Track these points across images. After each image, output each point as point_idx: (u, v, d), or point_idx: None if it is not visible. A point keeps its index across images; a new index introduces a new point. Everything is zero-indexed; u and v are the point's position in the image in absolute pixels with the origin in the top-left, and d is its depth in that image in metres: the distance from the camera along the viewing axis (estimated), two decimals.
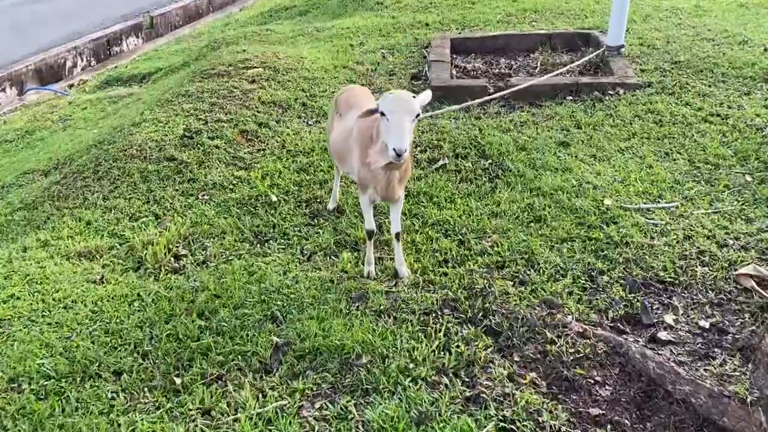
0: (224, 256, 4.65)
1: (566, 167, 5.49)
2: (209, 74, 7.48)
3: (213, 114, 6.60)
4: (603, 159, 5.65)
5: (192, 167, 5.80)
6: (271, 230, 4.97)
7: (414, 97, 3.53)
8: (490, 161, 5.71)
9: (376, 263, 4.40)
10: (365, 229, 4.30)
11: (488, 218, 4.91)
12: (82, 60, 12.54)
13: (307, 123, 6.70)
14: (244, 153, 6.07)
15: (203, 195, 5.50)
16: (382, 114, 3.41)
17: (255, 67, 7.54)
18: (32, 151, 7.79)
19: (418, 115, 3.44)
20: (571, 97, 6.89)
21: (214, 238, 4.88)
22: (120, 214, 5.27)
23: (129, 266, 4.60)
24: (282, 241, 4.84)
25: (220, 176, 5.71)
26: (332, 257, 4.59)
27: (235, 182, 5.64)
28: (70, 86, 11.79)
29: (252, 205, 5.30)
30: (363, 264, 4.38)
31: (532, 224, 4.78)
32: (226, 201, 5.36)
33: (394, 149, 3.27)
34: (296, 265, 4.49)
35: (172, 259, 4.64)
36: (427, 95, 3.79)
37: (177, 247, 4.77)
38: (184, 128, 6.34)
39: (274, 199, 5.35)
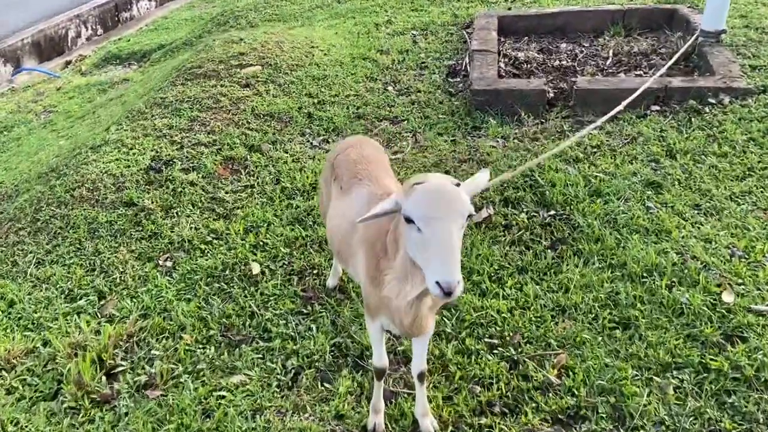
0: (175, 376, 3.30)
1: (660, 227, 3.92)
2: (195, 75, 6.02)
3: (192, 134, 5.18)
4: (711, 212, 4.05)
5: (155, 216, 4.42)
6: (247, 324, 3.59)
7: (458, 185, 2.08)
8: (552, 213, 4.17)
9: (386, 407, 3.00)
10: (373, 365, 2.90)
11: (552, 316, 3.43)
12: (86, 29, 11.13)
13: (311, 144, 5.22)
14: (226, 192, 4.65)
15: (165, 259, 4.13)
16: (410, 221, 2.02)
17: (251, 65, 6.05)
18: None
19: (469, 216, 2.03)
20: (657, 107, 5.22)
21: (167, 339, 3.53)
22: (54, 289, 3.95)
23: (42, 392, 3.28)
24: (259, 344, 3.45)
25: (190, 230, 4.32)
26: (325, 384, 3.18)
27: (208, 239, 4.24)
28: (68, 63, 10.51)
29: (226, 279, 3.91)
30: (368, 408, 2.98)
31: (617, 333, 3.28)
32: (194, 272, 3.98)
33: (438, 283, 1.90)
34: (272, 396, 3.12)
35: (104, 378, 3.30)
36: (482, 180, 2.32)
37: (114, 356, 3.43)
38: (152, 157, 4.94)
39: (257, 270, 3.95)
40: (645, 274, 3.59)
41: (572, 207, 4.17)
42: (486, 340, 3.33)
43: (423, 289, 2.20)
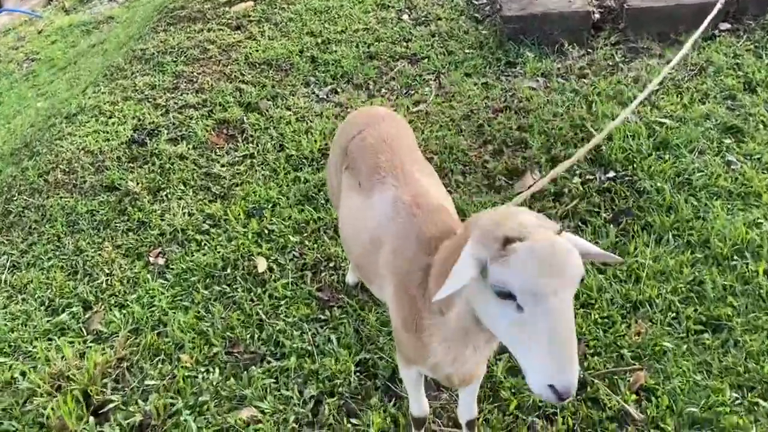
0: (173, 413, 2.77)
1: (746, 188, 3.21)
2: (178, 18, 5.21)
3: (177, 95, 4.46)
4: None
5: (142, 201, 3.80)
6: (256, 337, 3.03)
7: (560, 232, 1.48)
8: (611, 175, 3.46)
9: None
10: (411, 415, 2.36)
11: (623, 316, 2.81)
12: None
13: (317, 96, 4.48)
14: (222, 166, 3.98)
15: (157, 256, 3.54)
16: (506, 295, 1.41)
17: (242, 0, 5.20)
18: None
19: (582, 279, 1.44)
20: (727, 25, 4.34)
21: (163, 362, 2.99)
22: (32, 300, 3.40)
23: None
24: (272, 363, 2.90)
25: (183, 216, 3.70)
26: (351, 421, 2.64)
27: (204, 228, 3.62)
28: (50, 0, 9.68)
29: (228, 279, 3.32)
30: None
31: (705, 338, 2.66)
32: (190, 272, 3.39)
33: (552, 387, 1.35)
34: None
35: (91, 420, 2.79)
36: (601, 251, 1.61)
37: (103, 390, 2.90)
38: (134, 126, 4.25)
39: (263, 267, 3.35)
40: (734, 256, 2.92)
41: (635, 166, 3.45)
42: None
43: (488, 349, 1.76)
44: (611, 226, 3.20)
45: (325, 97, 4.47)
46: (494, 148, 3.77)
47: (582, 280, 1.42)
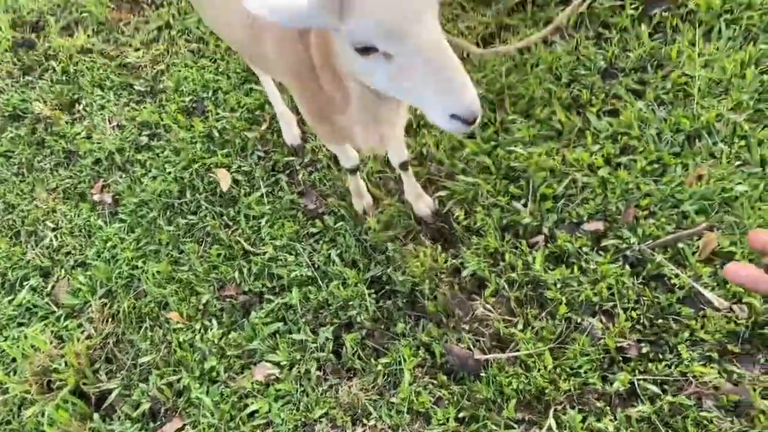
0: (182, 389, 2.43)
1: None
2: None
3: None
4: None
5: (58, 123, 3.08)
6: (244, 272, 2.57)
7: None
8: None
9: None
10: (343, 167, 2.42)
11: (675, 153, 2.24)
12: None
13: None
14: (136, 50, 3.15)
15: (100, 191, 2.94)
16: (367, 50, 1.31)
17: None
18: None
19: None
20: None
21: (151, 329, 2.58)
22: None
23: None
24: (273, 302, 2.48)
25: (113, 132, 3.01)
26: (378, 359, 2.27)
27: (143, 143, 2.96)
28: None
29: (191, 207, 2.76)
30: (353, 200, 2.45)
31: None
32: (144, 206, 2.83)
33: (456, 117, 1.29)
34: (318, 396, 2.26)
35: (97, 418, 2.47)
36: None
37: (98, 377, 2.54)
38: (13, 23, 3.32)
39: (226, 181, 2.75)
40: None
41: None
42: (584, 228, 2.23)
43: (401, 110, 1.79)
44: (642, 26, 2.45)
45: None
46: None
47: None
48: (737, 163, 2.16)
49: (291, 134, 2.73)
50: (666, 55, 2.39)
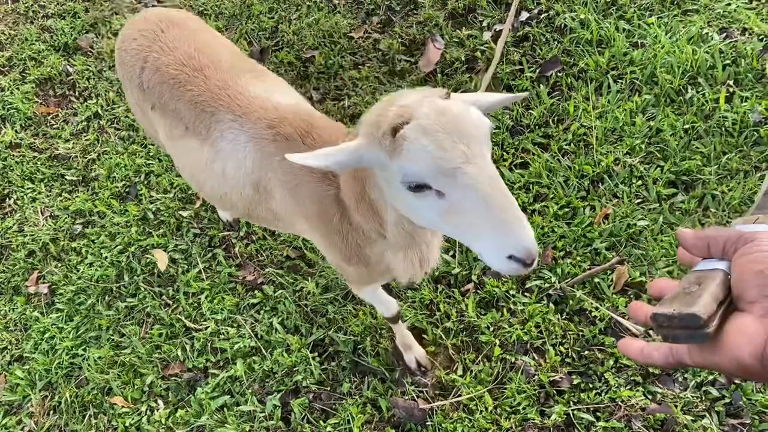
0: None
1: None
2: None
3: None
4: None
5: None
6: (187, 349, 2.58)
7: (448, 96, 1.28)
8: (526, 14, 2.87)
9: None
10: (385, 317, 2.32)
11: (581, 197, 2.44)
12: None
13: (146, 4, 3.54)
14: (66, 141, 3.20)
15: (36, 283, 2.93)
16: (420, 187, 1.23)
17: None
18: None
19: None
20: None
21: (96, 416, 2.55)
22: None
23: None
24: (218, 375, 2.49)
25: (46, 223, 3.02)
26: (326, 420, 2.31)
27: (77, 232, 2.98)
28: None
29: (129, 289, 2.78)
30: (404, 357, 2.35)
31: (679, 200, 2.34)
32: (82, 293, 2.82)
33: (513, 258, 1.16)
34: None
35: None
36: (501, 96, 1.39)
37: None
38: None
39: (163, 261, 2.80)
40: (687, 87, 2.50)
41: None
42: None
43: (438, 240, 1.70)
44: (541, 86, 2.71)
45: (155, 3, 3.55)
46: (380, 19, 3.09)
47: (489, 133, 1.23)
48: (638, 200, 2.39)
49: (226, 213, 2.80)
50: (564, 110, 2.64)
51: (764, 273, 0.73)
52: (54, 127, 3.25)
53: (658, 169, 2.40)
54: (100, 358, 2.64)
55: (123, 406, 2.53)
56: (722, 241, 0.81)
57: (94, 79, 3.34)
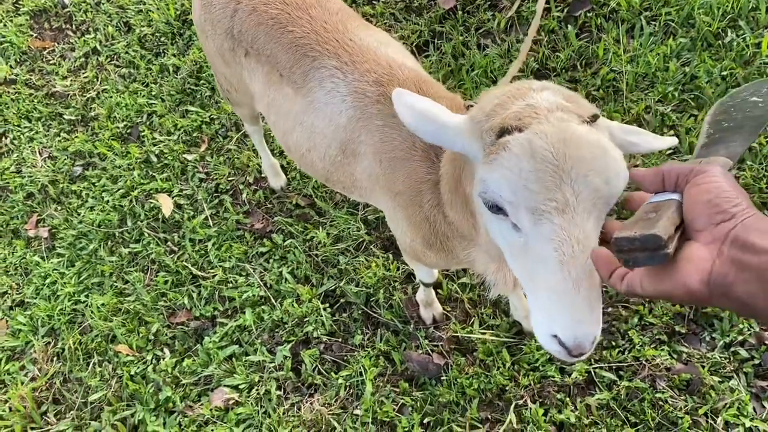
0: (136, 424, 2.35)
1: None
2: None
3: None
4: None
5: None
6: (194, 297, 2.50)
7: (595, 119, 0.98)
8: None
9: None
10: (424, 282, 2.11)
11: None
12: None
13: None
14: (63, 78, 3.05)
15: (35, 226, 2.83)
16: (496, 208, 1.02)
17: None
18: None
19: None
20: None
21: (100, 364, 2.49)
22: None
23: None
24: (226, 324, 2.42)
25: (45, 164, 2.90)
26: (338, 372, 2.25)
27: (77, 174, 2.86)
28: None
29: (133, 235, 2.68)
30: (419, 310, 2.26)
31: None
32: (83, 238, 2.73)
33: (561, 341, 0.95)
34: (281, 416, 2.23)
35: None
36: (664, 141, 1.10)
37: (45, 416, 2.43)
38: None
39: (168, 206, 2.69)
40: (726, 30, 2.34)
41: None
42: None
43: None
44: (569, 27, 2.54)
45: None
46: None
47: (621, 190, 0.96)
48: (669, 151, 2.26)
49: (278, 182, 2.64)
50: (593, 53, 2.48)
51: (712, 202, 0.77)
52: (50, 62, 3.09)
53: (692, 118, 2.27)
54: (103, 305, 2.56)
55: (128, 354, 2.47)
56: (675, 174, 0.84)
57: (91, 11, 3.15)
